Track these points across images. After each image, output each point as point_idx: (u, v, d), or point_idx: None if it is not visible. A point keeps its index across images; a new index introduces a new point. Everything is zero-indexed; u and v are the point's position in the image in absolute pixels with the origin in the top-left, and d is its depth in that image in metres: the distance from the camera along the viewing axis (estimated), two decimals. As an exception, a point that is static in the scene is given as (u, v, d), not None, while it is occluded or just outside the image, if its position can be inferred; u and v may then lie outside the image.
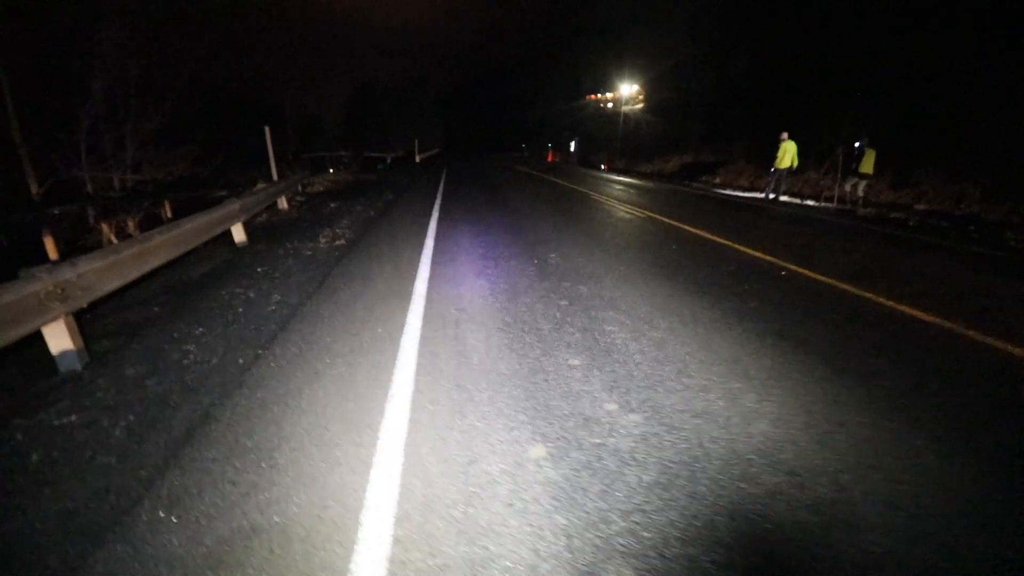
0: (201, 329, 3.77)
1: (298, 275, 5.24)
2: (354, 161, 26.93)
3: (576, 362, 3.13)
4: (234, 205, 6.93)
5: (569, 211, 9.76)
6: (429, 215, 8.94)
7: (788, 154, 12.72)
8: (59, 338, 3.37)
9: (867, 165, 11.32)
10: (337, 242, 6.86)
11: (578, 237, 7.09)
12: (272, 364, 3.09)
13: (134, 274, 4.27)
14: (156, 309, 4.43)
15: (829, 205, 12.03)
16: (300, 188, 13.14)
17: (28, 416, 2.69)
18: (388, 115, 48.79)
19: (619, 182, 17.86)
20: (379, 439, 2.32)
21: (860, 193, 11.66)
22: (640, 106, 45.40)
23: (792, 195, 13.72)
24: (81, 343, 3.47)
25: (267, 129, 12.02)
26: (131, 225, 9.87)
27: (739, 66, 24.69)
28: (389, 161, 29.91)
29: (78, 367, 3.34)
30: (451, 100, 76.46)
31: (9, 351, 3.18)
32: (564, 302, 4.26)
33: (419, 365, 3.05)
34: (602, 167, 28.80)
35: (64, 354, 3.37)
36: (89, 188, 9.91)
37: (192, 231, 5.52)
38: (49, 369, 3.29)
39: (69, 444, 2.38)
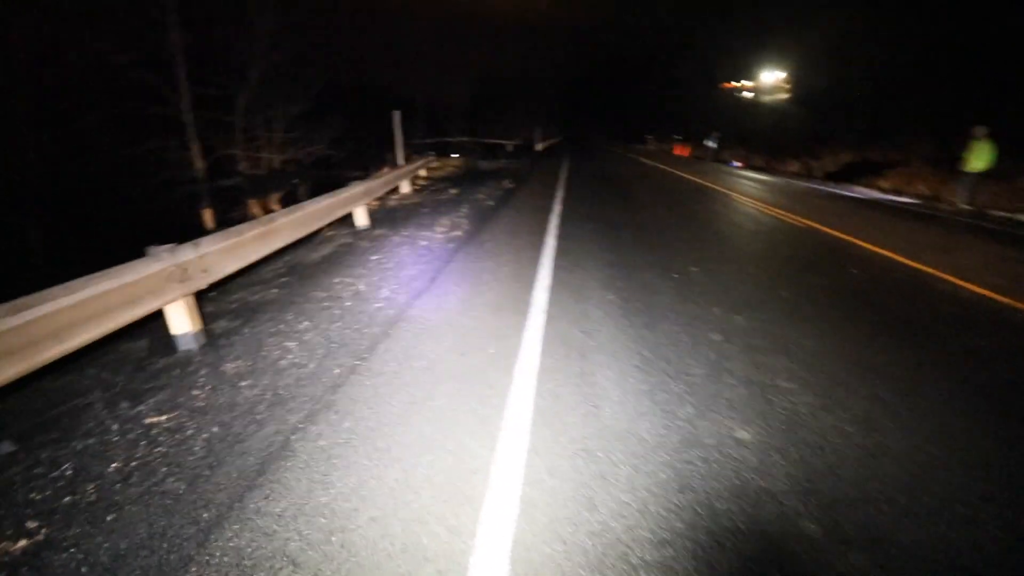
0: (306, 323, 3.54)
1: (410, 268, 4.92)
2: (476, 148, 27.34)
3: (745, 436, 2.28)
4: (358, 188, 6.91)
5: (707, 213, 8.52)
6: (550, 209, 8.32)
7: (982, 154, 10.10)
8: (178, 318, 3.31)
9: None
10: (454, 232, 6.52)
11: (723, 248, 5.99)
12: (367, 383, 2.67)
13: (255, 256, 4.20)
14: (275, 291, 4.36)
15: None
16: (423, 173, 13.33)
17: (132, 402, 2.56)
18: (510, 103, 49.14)
19: (759, 181, 15.73)
20: (478, 526, 1.73)
21: None
22: (785, 96, 40.43)
23: (988, 206, 10.78)
24: (199, 324, 3.40)
25: (396, 114, 12.27)
26: (274, 202, 10.67)
27: (913, 46, 20.43)
28: (510, 149, 29.96)
29: (194, 347, 3.26)
30: (573, 88, 75.00)
31: (147, 321, 3.18)
32: (717, 336, 3.36)
33: (537, 410, 2.43)
34: (735, 164, 25.95)
35: (182, 334, 3.31)
36: (241, 167, 10.94)
37: (315, 213, 5.48)
38: (169, 347, 3.24)
39: (150, 454, 2.13)
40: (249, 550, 1.61)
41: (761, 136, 31.14)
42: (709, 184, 13.58)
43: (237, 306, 4.03)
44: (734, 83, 50.30)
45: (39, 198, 8.50)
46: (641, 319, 3.63)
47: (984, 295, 4.39)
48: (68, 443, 2.25)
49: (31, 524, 1.76)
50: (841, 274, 4.98)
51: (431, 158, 15.67)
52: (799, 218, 8.11)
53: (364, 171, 12.73)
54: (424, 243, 5.95)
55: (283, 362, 2.95)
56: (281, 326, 3.51)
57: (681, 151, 35.78)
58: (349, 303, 3.95)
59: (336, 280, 4.55)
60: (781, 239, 6.54)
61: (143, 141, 9.12)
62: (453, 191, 10.61)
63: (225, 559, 1.58)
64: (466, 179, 13.40)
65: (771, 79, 45.66)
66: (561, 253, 5.37)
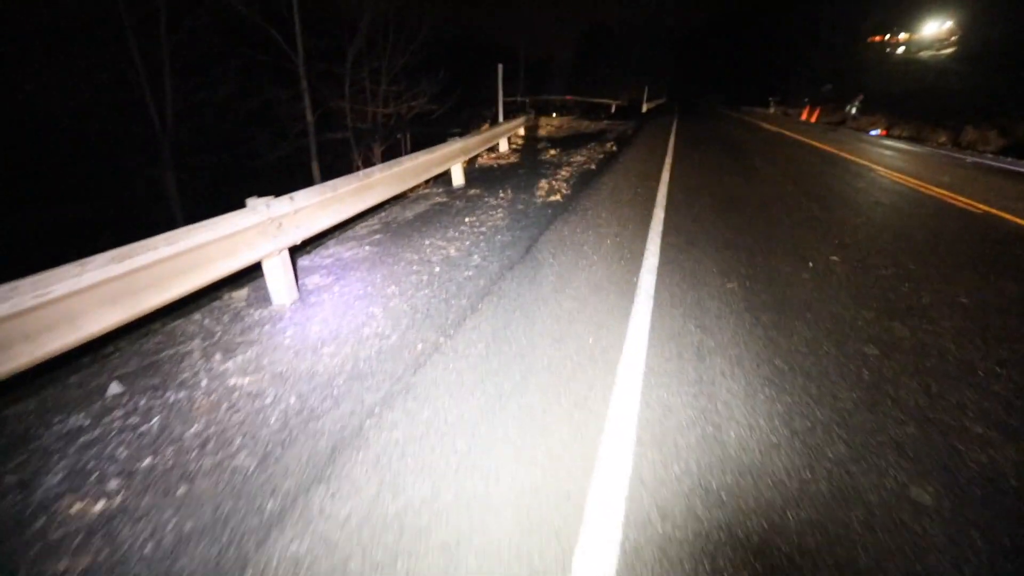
0: (393, 288, 3.36)
1: (504, 233, 4.60)
2: (578, 107, 26.07)
3: (925, 498, 1.70)
4: (456, 144, 6.66)
5: (846, 190, 7.21)
6: (658, 178, 7.52)
7: None
8: (273, 272, 3.29)
9: None
10: (552, 197, 6.08)
11: (872, 234, 4.95)
12: (449, 366, 2.40)
13: (350, 212, 4.10)
14: (367, 249, 4.27)
15: None
16: (523, 132, 12.84)
17: (225, 355, 2.53)
18: (618, 60, 46.06)
19: (910, 154, 13.25)
20: (567, 575, 1.39)
21: None
22: (949, 51, 33.77)
23: None
24: (292, 279, 3.36)
25: (500, 67, 11.77)
26: (377, 153, 10.85)
27: None
28: (613, 109, 28.23)
29: (286, 303, 3.24)
30: (690, 42, 68.55)
31: (251, 271, 3.21)
32: (873, 351, 2.66)
33: (642, 423, 2.01)
34: (875, 132, 22.20)
35: (277, 289, 3.29)
36: (348, 120, 11.18)
37: (411, 170, 5.30)
38: (265, 299, 3.25)
39: (229, 420, 2.05)
40: (308, 561, 1.42)
41: (915, 99, 26.44)
42: (845, 155, 11.67)
43: (330, 262, 3.98)
44: (883, 36, 43.09)
45: (174, 146, 9.32)
46: (770, 317, 3.00)
47: None
48: (164, 392, 2.25)
49: (112, 485, 1.72)
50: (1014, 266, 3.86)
51: (531, 116, 15.06)
52: (972, 201, 6.57)
53: (463, 128, 12.51)
54: (520, 207, 5.59)
55: (366, 330, 2.79)
56: (369, 288, 3.37)
57: (809, 115, 31.55)
58: (438, 268, 3.73)
59: (427, 242, 4.36)
60: (951, 228, 5.29)
61: (257, 93, 9.55)
62: (552, 152, 10.05)
63: (281, 568, 1.40)
64: (567, 140, 12.70)
65: (932, 30, 38.63)
66: (671, 229, 4.73)
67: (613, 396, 2.18)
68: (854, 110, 26.23)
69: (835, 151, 12.31)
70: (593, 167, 8.38)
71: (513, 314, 2.96)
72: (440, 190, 6.54)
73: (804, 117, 31.77)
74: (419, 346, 2.60)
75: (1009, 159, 12.92)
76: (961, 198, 6.74)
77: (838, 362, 2.53)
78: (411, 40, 12.14)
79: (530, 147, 11.07)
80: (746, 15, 59.06)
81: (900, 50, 41.53)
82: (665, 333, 2.75)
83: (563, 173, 7.66)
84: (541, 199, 5.98)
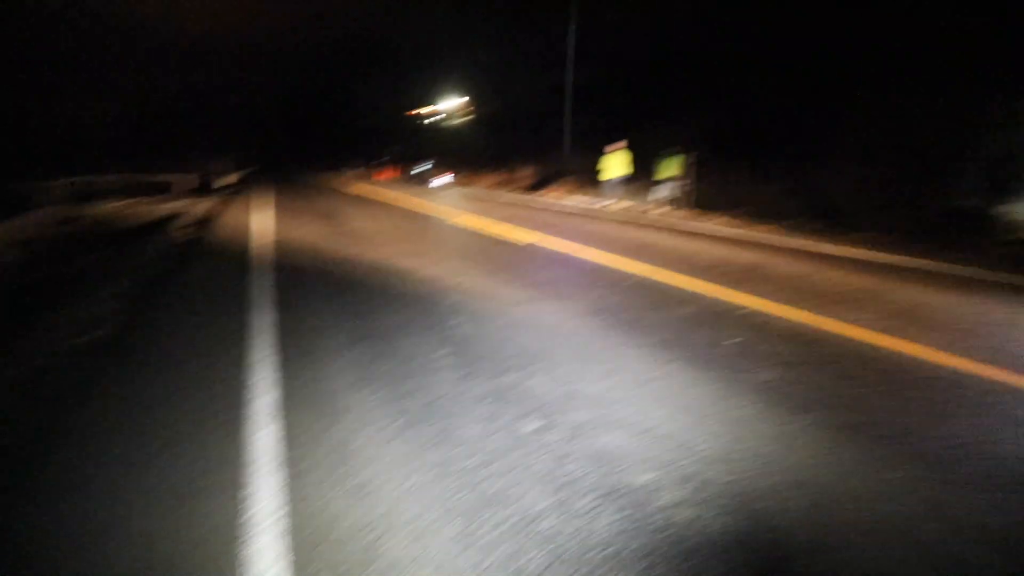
0: None
1: None
2: (130, 187, 20.49)
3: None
4: None
5: (453, 249, 7.86)
6: (246, 270, 6.21)
7: (615, 164, 13.88)
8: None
9: (668, 170, 13.00)
10: (89, 336, 3.93)
11: (485, 282, 5.28)
12: None
13: None
14: None
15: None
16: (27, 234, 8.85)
17: None
18: (182, 131, 40.48)
19: (484, 199, 16.49)
20: None
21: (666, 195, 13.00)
22: (470, 117, 45.26)
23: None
24: None
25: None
26: None
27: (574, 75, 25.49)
28: (174, 190, 21.81)
29: None
30: (266, 114, 67.79)
31: None
32: (533, 423, 2.44)
33: None
34: (439, 182, 27.29)
35: None
36: None
37: None
38: None
39: None
40: None
41: (464, 153, 34.04)
42: (434, 207, 13.29)
43: None
44: (426, 107, 53.72)
45: None
46: (420, 414, 2.40)
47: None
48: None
49: None
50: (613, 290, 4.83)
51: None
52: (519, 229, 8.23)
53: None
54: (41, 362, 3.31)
55: None
56: None
57: (384, 175, 36.19)
58: None
59: None
60: (470, 239, 6.28)
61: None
62: (90, 257, 7.14)
63: None
64: (111, 237, 9.54)
65: (456, 103, 50.24)
66: (287, 342, 3.66)
67: None
68: (424, 170, 31.28)
69: (420, 201, 13.86)
70: (155, 273, 6.27)
71: None
72: None
73: (379, 176, 36.05)
74: None
75: (524, 192, 17.80)
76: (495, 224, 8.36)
77: (502, 445, 2.11)
78: None
79: (51, 253, 7.61)
80: (317, 91, 63.10)
81: (437, 118, 52.64)
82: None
83: (106, 292, 5.32)
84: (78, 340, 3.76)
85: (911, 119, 10.67)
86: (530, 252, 7.10)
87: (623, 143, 14.13)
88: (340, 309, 4.44)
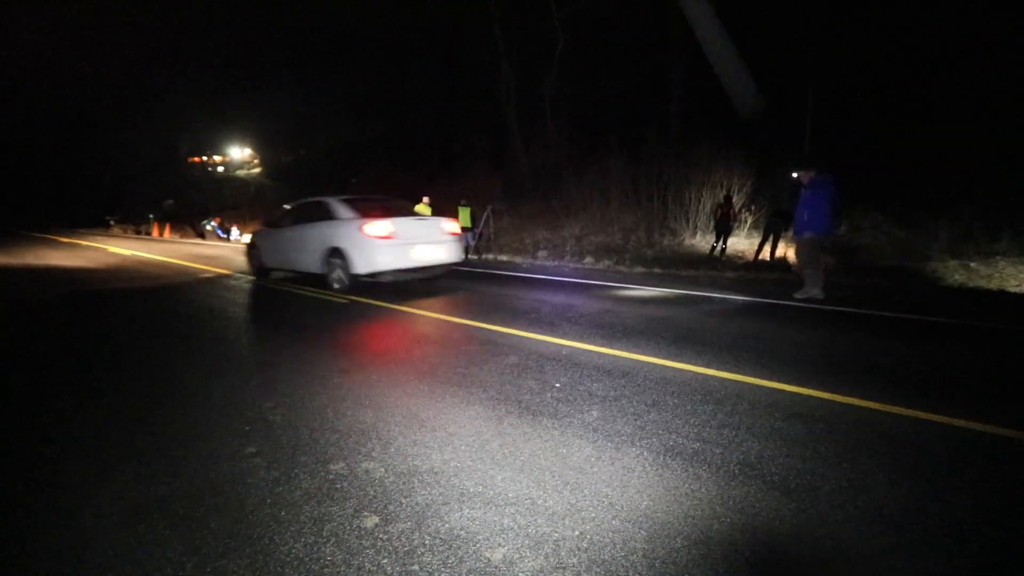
0: None
1: None
2: None
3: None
4: None
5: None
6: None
7: (463, 217, 14.91)
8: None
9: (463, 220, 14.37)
10: None
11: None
12: None
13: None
14: None
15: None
16: None
17: None
18: None
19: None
20: None
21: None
22: (258, 170, 41.80)
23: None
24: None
25: None
26: None
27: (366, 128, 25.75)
28: None
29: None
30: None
31: None
32: (373, 519, 2.12)
33: None
34: (222, 232, 24.25)
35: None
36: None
37: None
38: None
39: None
40: None
41: (249, 208, 31.30)
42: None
43: None
44: (202, 158, 47.70)
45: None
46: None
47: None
48: None
49: None
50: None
51: None
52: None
53: None
54: None
55: None
56: None
57: (161, 232, 30.36)
58: None
59: None
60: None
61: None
62: None
63: None
64: None
65: (239, 154, 46.14)
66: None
67: None
68: (209, 226, 27.27)
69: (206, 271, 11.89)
70: None
71: None
72: None
73: (156, 234, 30.23)
74: None
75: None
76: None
77: None
78: None
79: None
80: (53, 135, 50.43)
81: (220, 169, 47.13)
82: None
83: None
84: None
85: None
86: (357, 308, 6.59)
87: (427, 198, 14.78)
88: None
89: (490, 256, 14.78)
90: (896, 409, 3.20)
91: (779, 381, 3.73)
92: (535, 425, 3.12)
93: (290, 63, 31.95)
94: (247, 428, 3.14)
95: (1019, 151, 9.88)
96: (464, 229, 14.77)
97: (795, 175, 7.48)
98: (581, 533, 2.11)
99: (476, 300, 7.38)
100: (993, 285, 7.67)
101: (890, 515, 2.18)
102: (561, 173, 16.55)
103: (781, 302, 6.70)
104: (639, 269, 10.78)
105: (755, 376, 3.84)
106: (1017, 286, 7.51)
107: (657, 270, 10.54)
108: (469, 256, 14.01)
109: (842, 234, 10.44)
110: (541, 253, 13.79)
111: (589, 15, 17.57)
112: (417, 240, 7.69)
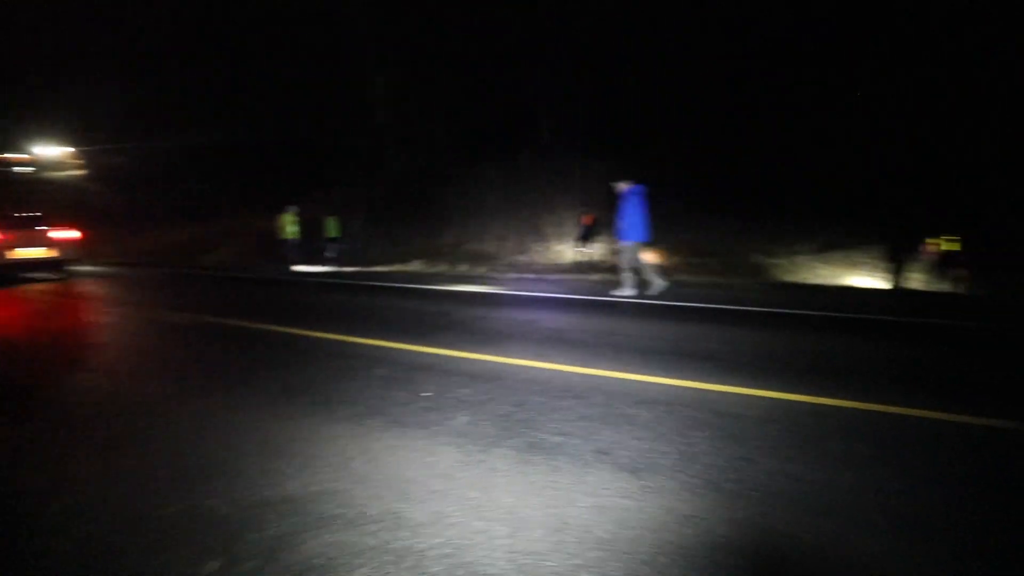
0: None
1: None
2: None
3: None
4: None
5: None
6: None
7: (289, 224, 14.34)
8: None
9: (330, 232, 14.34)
10: None
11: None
12: None
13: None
14: None
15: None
16: None
17: None
18: None
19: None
20: None
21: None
22: (83, 172, 35.97)
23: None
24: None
25: None
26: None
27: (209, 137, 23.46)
28: None
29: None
30: None
31: None
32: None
33: None
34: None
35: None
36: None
37: None
38: None
39: None
40: None
41: (63, 215, 27.01)
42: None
43: None
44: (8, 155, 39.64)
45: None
46: None
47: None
48: None
49: None
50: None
51: None
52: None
53: None
54: None
55: None
56: None
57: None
58: None
59: None
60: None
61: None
62: None
63: None
64: None
65: (55, 153, 39.42)
66: None
67: None
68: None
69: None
70: None
71: None
72: None
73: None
74: None
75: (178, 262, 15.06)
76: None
77: None
78: None
79: None
80: None
81: (30, 169, 39.83)
82: None
83: None
84: None
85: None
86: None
87: (294, 207, 14.18)
88: None
89: (362, 268, 14.24)
90: (724, 388, 3.72)
91: (629, 372, 4.12)
92: (402, 437, 3.06)
93: (128, 52, 27.72)
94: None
95: (820, 164, 11.86)
96: (331, 240, 14.21)
97: (617, 185, 7.98)
98: (445, 539, 2.11)
99: (343, 314, 7.04)
100: (798, 278, 9.34)
101: (713, 479, 2.52)
102: (438, 182, 16.57)
103: (646, 301, 7.41)
104: (511, 275, 11.18)
105: (609, 369, 4.20)
106: (813, 279, 9.23)
107: (529, 275, 11.03)
108: (338, 268, 13.37)
109: (688, 237, 11.83)
110: (416, 262, 13.65)
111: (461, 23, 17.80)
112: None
